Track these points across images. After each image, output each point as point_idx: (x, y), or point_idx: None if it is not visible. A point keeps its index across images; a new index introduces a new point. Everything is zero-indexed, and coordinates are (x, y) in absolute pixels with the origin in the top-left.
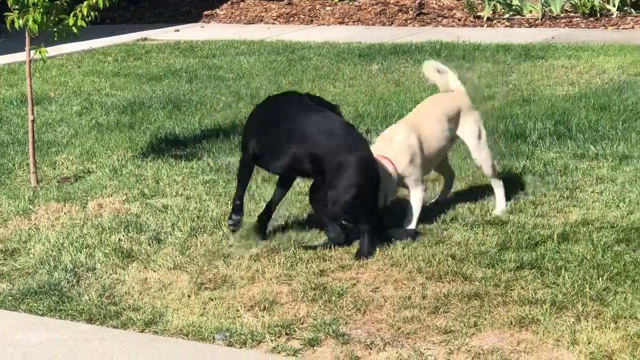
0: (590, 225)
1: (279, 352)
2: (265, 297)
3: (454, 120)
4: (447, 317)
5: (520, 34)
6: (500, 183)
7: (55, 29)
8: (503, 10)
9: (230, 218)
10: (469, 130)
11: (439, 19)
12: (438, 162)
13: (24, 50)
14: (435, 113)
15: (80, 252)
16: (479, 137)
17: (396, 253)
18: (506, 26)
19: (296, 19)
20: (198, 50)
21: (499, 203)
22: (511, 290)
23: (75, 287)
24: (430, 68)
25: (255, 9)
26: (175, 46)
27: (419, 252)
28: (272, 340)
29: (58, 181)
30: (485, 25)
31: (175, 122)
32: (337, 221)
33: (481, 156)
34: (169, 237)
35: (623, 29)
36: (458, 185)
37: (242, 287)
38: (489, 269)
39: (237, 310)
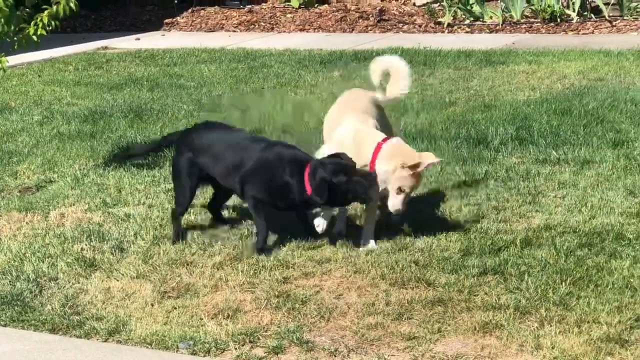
0: (552, 230)
1: None
2: (228, 305)
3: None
4: (411, 324)
5: (481, 40)
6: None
7: (15, 38)
8: (464, 17)
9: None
10: None
11: (400, 25)
12: None
13: None
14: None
15: (43, 262)
16: None
17: (359, 260)
18: (467, 32)
19: (257, 26)
20: (159, 59)
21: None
22: (475, 295)
23: (38, 297)
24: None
25: (215, 16)
26: (136, 55)
27: (382, 259)
28: (236, 349)
29: (19, 191)
30: (446, 31)
31: (137, 130)
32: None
33: None
34: (132, 245)
35: (583, 34)
36: (420, 191)
37: (205, 295)
38: (453, 274)
39: (201, 319)
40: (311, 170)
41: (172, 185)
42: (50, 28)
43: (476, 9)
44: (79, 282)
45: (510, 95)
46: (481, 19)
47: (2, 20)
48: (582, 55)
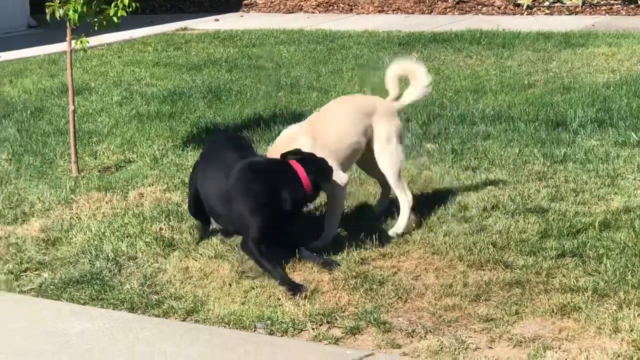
0: (632, 213)
1: (320, 341)
2: (306, 285)
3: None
4: (488, 305)
5: (561, 22)
6: (406, 199)
7: (95, 19)
8: None
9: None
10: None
11: (479, 7)
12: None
13: (64, 41)
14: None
15: (122, 241)
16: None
17: (437, 241)
18: (546, 14)
19: (335, 7)
20: (238, 40)
21: (399, 222)
22: (552, 278)
23: (117, 276)
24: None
25: None
26: (215, 36)
27: (459, 240)
28: (313, 329)
29: (99, 171)
30: (525, 13)
31: (216, 111)
32: None
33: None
34: (211, 225)
35: None
36: (499, 174)
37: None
38: (530, 256)
39: (279, 299)
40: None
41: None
42: (131, 9)
43: None
44: (157, 262)
45: (590, 78)
46: (560, 1)
47: (82, 1)
48: None
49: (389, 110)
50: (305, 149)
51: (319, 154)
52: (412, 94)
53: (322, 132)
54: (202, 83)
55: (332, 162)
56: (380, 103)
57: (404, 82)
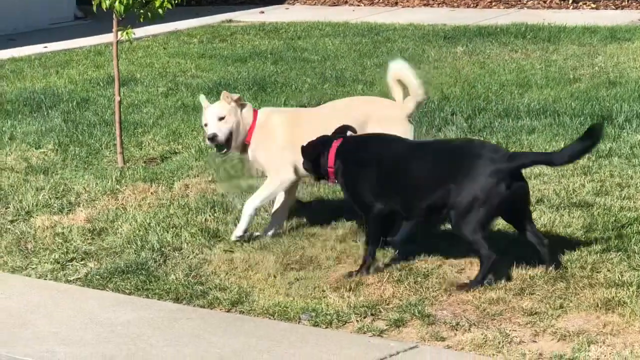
0: None
1: (364, 332)
2: (351, 277)
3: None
4: (532, 299)
5: (606, 16)
6: None
7: (141, 11)
8: None
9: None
10: None
11: (524, 0)
12: None
13: (110, 32)
14: None
15: (167, 232)
16: None
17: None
18: (592, 8)
19: (381, 1)
20: (283, 32)
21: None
22: (597, 272)
23: (162, 266)
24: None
25: None
26: (260, 28)
27: (504, 234)
28: (357, 321)
29: (144, 162)
30: (571, 7)
31: (261, 103)
32: None
33: None
34: (255, 217)
35: None
36: (545, 169)
37: (327, 267)
38: (575, 251)
39: (323, 291)
40: None
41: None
42: (176, 1)
43: None
44: (202, 253)
45: (636, 72)
46: None
47: None
48: None
49: (395, 115)
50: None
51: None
52: (410, 100)
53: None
54: (247, 75)
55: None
56: (388, 108)
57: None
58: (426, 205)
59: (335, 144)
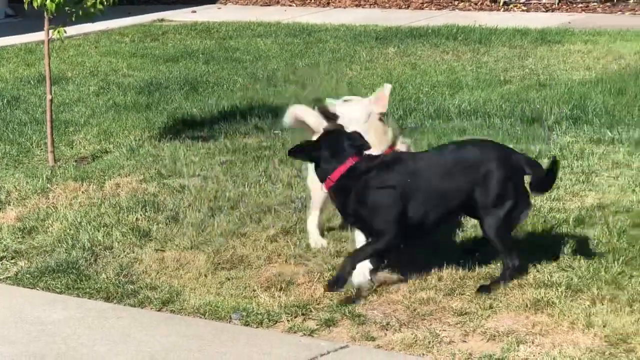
0: (605, 210)
1: (295, 332)
2: (282, 277)
3: None
4: (462, 299)
5: (537, 18)
6: None
7: (73, 9)
8: None
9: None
10: None
11: (456, 2)
12: None
13: (41, 30)
14: None
15: (98, 231)
16: None
17: None
18: (523, 10)
19: (313, 1)
20: (215, 32)
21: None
22: (527, 273)
23: (93, 265)
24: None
25: None
26: (192, 27)
27: (435, 236)
28: (288, 320)
29: (75, 160)
30: (502, 9)
31: (192, 103)
32: None
33: None
34: (187, 217)
35: None
36: None
37: (258, 267)
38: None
39: (254, 290)
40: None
41: (226, 158)
42: (109, 3)
43: None
44: (133, 252)
45: (566, 75)
46: None
47: None
48: (638, 35)
49: None
50: None
51: None
52: None
53: None
54: (179, 74)
55: None
56: None
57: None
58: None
59: (351, 161)
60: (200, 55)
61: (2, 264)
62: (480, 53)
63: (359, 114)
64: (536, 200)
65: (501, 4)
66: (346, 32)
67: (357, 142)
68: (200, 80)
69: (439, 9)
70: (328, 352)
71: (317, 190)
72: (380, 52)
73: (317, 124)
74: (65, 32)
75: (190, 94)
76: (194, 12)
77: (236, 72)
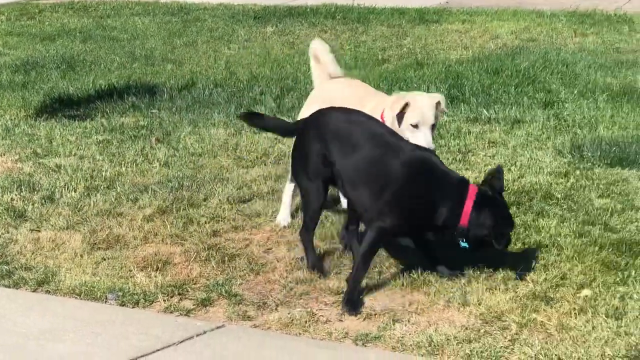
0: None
1: (171, 312)
2: (158, 257)
3: None
4: (339, 279)
5: None
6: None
7: None
8: None
9: None
10: None
11: None
12: None
13: None
14: None
15: None
16: None
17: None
18: None
19: None
20: (92, 10)
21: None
22: (404, 253)
23: None
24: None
25: None
26: (69, 6)
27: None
28: (164, 300)
29: None
30: None
31: (69, 82)
32: None
33: None
34: (62, 196)
35: None
36: None
37: (135, 247)
38: None
39: (130, 271)
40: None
41: (102, 137)
42: None
43: None
44: (8, 232)
45: (443, 54)
46: None
47: None
48: (515, 15)
49: None
50: None
51: None
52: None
53: None
54: (55, 53)
55: None
56: None
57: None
58: None
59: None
60: (78, 34)
61: None
62: (358, 32)
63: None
64: None
65: None
66: (224, 11)
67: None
68: (78, 59)
69: None
70: (204, 332)
71: None
72: (259, 31)
73: (328, 61)
74: None
75: (68, 73)
76: None
77: (114, 51)
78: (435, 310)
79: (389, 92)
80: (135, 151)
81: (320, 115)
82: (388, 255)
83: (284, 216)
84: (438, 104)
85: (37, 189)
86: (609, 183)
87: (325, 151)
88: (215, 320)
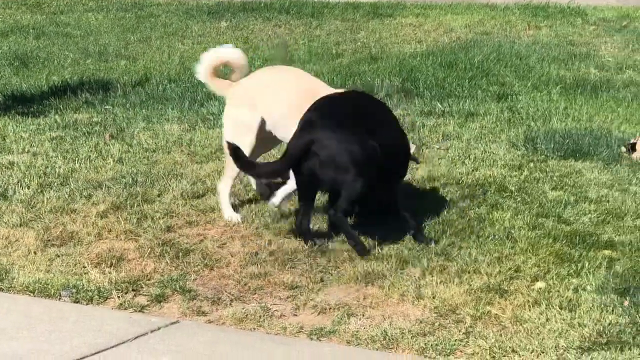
0: (436, 182)
1: (125, 308)
2: (112, 253)
3: None
4: (293, 273)
5: None
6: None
7: None
8: None
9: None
10: None
11: None
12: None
13: None
14: None
15: None
16: None
17: (243, 209)
18: None
19: None
20: (45, 7)
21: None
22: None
23: None
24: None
25: None
26: (23, 2)
27: (266, 209)
28: (119, 297)
29: None
30: None
31: (22, 78)
32: None
33: None
34: (16, 193)
35: None
36: None
37: (89, 243)
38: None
39: (84, 267)
40: None
41: (56, 133)
42: None
43: None
44: None
45: (397, 48)
46: None
47: None
48: (468, 9)
49: None
50: None
51: None
52: None
53: None
54: (8, 50)
55: None
56: None
57: None
58: None
59: None
60: (31, 30)
61: None
62: (312, 27)
63: None
64: None
65: None
66: (178, 6)
67: None
68: (31, 56)
69: None
70: (159, 328)
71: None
72: (213, 27)
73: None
74: None
75: (21, 70)
76: None
77: (67, 47)
78: (389, 304)
79: (343, 86)
80: (89, 147)
81: None
82: (341, 249)
83: (229, 212)
84: None
85: None
86: (562, 175)
87: None
88: (170, 316)
